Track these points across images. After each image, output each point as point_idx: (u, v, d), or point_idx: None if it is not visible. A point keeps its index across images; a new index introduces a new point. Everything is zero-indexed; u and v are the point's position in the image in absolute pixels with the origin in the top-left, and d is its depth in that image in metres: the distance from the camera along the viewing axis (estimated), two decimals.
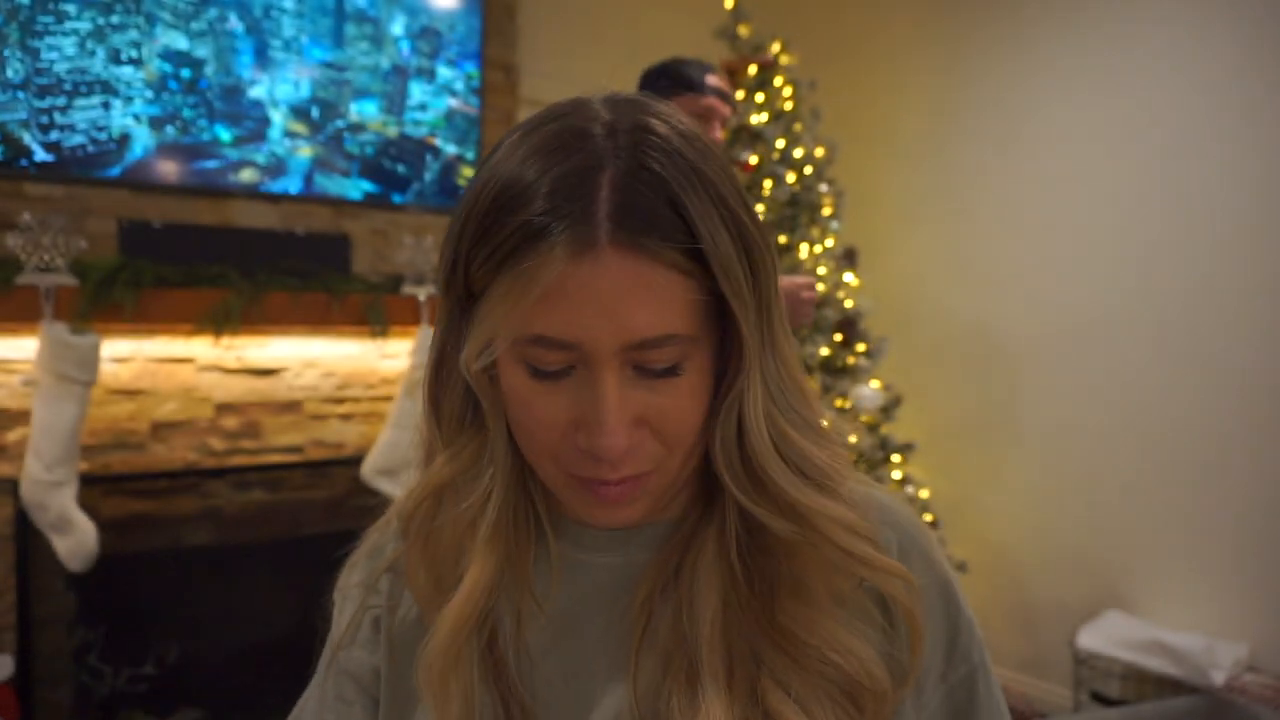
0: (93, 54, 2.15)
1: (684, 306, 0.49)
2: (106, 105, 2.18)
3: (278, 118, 2.40)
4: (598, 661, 0.57)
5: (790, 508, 0.52)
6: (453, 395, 0.57)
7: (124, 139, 2.20)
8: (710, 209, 0.48)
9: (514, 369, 0.51)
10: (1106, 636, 2.47)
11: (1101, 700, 2.36)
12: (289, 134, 2.42)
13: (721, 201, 0.49)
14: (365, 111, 2.54)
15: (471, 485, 0.56)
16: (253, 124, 2.37)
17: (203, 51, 2.29)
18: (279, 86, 2.39)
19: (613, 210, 0.47)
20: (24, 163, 2.09)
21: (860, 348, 2.68)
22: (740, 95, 2.82)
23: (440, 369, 0.57)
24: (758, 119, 2.78)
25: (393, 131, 2.58)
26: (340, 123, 2.51)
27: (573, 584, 0.59)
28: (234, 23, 2.32)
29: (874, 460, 2.69)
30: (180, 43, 2.25)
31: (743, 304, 0.50)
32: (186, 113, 2.28)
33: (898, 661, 0.54)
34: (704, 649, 0.52)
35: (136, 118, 2.22)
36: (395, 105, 2.58)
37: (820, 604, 0.53)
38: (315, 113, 2.46)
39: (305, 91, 2.44)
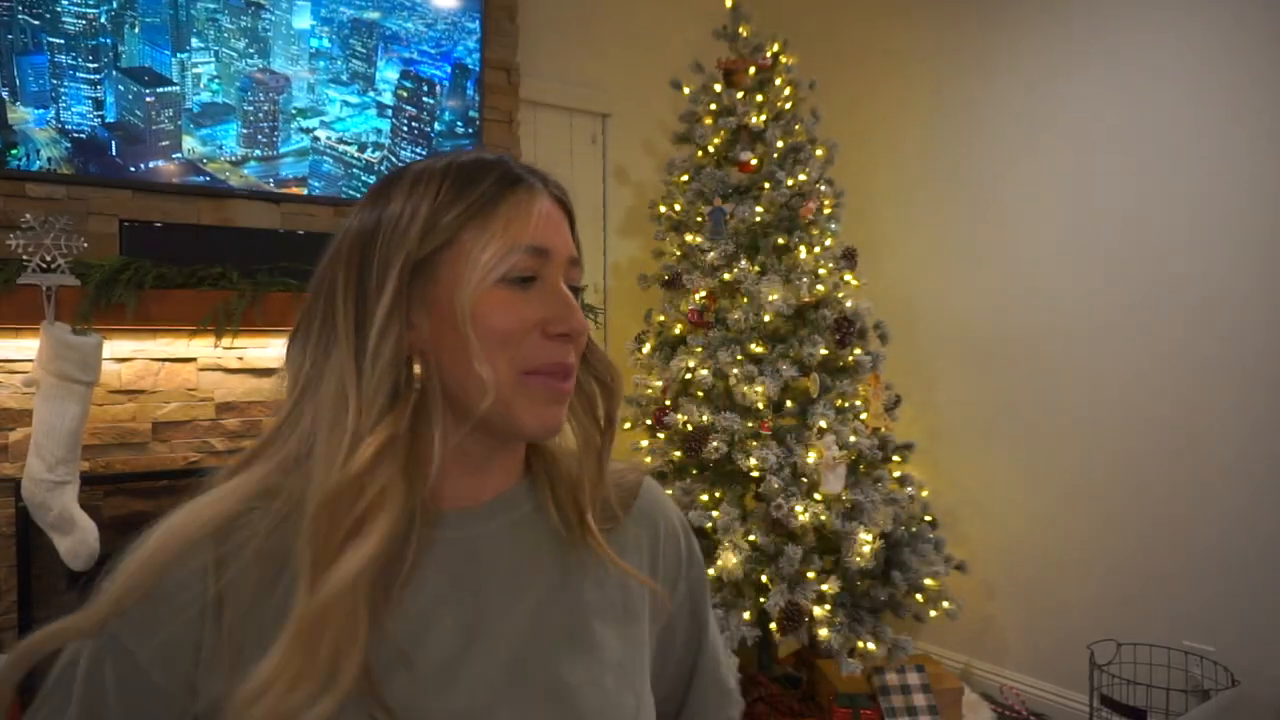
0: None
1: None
2: (99, 104, 2.18)
3: (283, 120, 2.41)
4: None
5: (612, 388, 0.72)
6: (382, 382, 0.60)
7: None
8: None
9: (492, 292, 0.62)
10: (1120, 641, 2.43)
11: (1114, 706, 2.33)
12: (293, 135, 2.43)
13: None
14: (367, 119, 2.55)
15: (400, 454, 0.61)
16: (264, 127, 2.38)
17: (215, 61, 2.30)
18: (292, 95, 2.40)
19: (546, 183, 0.67)
20: (24, 162, 2.10)
21: (858, 349, 2.68)
22: (740, 95, 2.82)
23: (368, 359, 0.60)
24: (758, 119, 2.78)
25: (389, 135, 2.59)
26: (343, 126, 2.51)
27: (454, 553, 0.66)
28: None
29: (873, 460, 2.68)
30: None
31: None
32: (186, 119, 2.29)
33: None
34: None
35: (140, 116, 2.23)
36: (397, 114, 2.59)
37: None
38: (319, 120, 2.47)
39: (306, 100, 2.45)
